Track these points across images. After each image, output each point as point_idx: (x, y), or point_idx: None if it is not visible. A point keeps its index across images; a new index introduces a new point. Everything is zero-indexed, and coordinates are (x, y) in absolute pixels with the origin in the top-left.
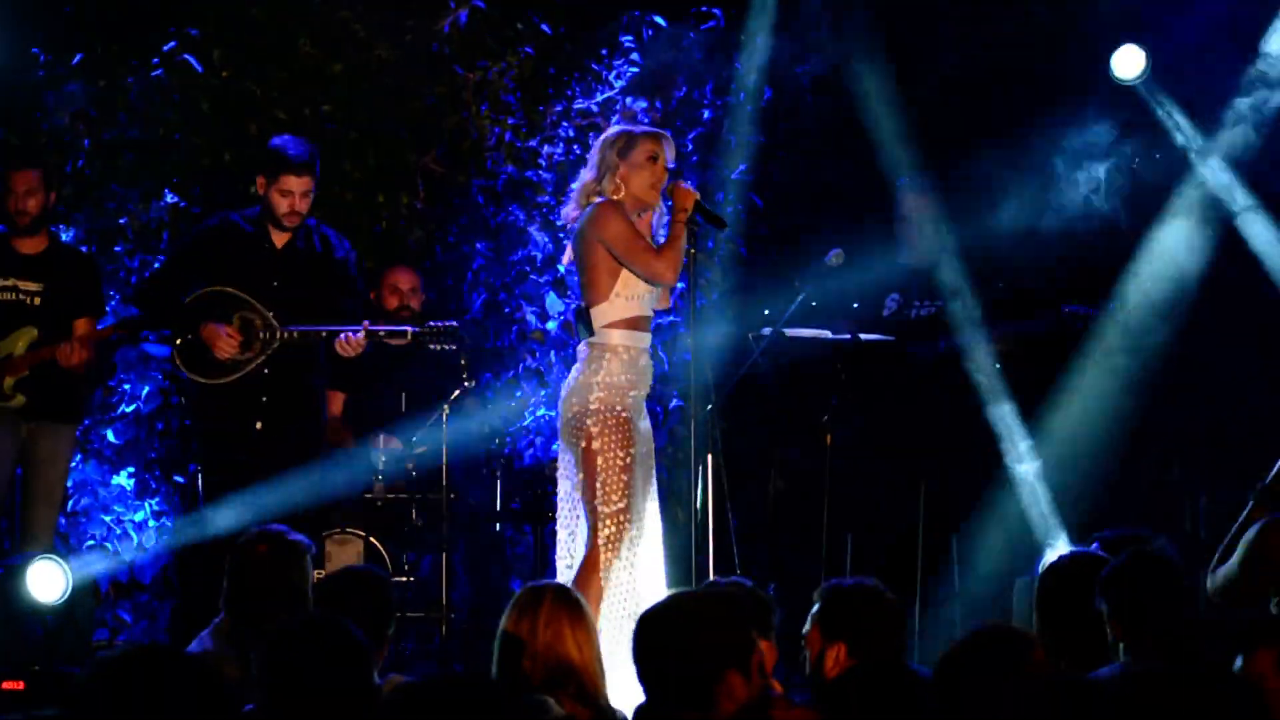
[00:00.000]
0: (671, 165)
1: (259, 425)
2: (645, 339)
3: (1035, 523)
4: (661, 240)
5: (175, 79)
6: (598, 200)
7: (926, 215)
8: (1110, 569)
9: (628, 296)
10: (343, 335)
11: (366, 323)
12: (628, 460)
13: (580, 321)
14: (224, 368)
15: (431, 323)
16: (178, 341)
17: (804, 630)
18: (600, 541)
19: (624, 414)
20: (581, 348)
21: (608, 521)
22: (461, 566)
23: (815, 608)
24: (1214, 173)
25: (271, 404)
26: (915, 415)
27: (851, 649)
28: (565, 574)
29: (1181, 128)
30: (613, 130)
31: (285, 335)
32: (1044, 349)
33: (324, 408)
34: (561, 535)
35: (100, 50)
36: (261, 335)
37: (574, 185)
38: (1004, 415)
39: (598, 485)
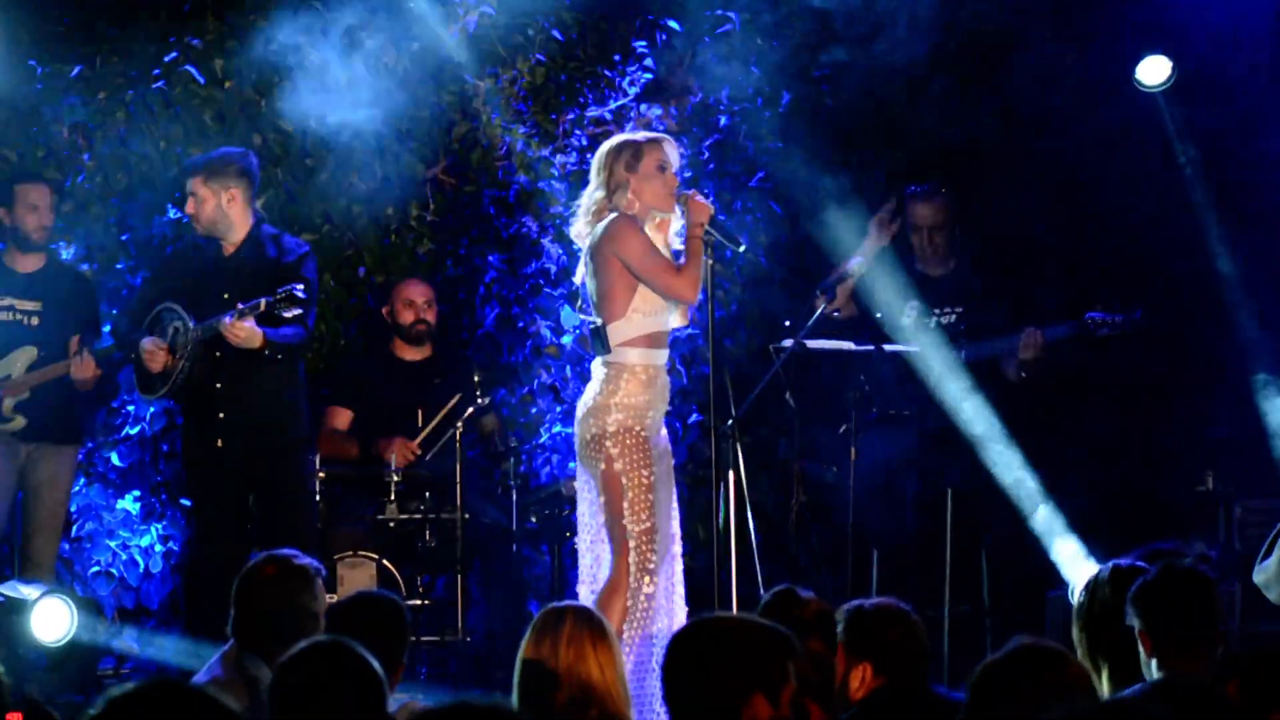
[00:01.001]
0: (678, 170)
1: (219, 443)
2: (662, 356)
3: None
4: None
5: (177, 90)
6: (611, 215)
7: (940, 223)
8: (1141, 583)
9: (645, 313)
10: (223, 319)
11: (239, 304)
12: (651, 479)
13: (596, 339)
14: (160, 380)
15: (281, 288)
16: (133, 368)
17: None
18: (629, 563)
19: (643, 434)
20: (597, 366)
21: (635, 542)
22: (477, 588)
23: (839, 626)
24: None
25: (229, 420)
26: (941, 427)
27: (877, 668)
28: (587, 598)
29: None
30: (613, 142)
31: (195, 333)
32: (1068, 356)
33: (301, 419)
34: (585, 559)
35: (99, 62)
36: (182, 339)
37: (579, 201)
38: (1011, 465)
39: (624, 506)
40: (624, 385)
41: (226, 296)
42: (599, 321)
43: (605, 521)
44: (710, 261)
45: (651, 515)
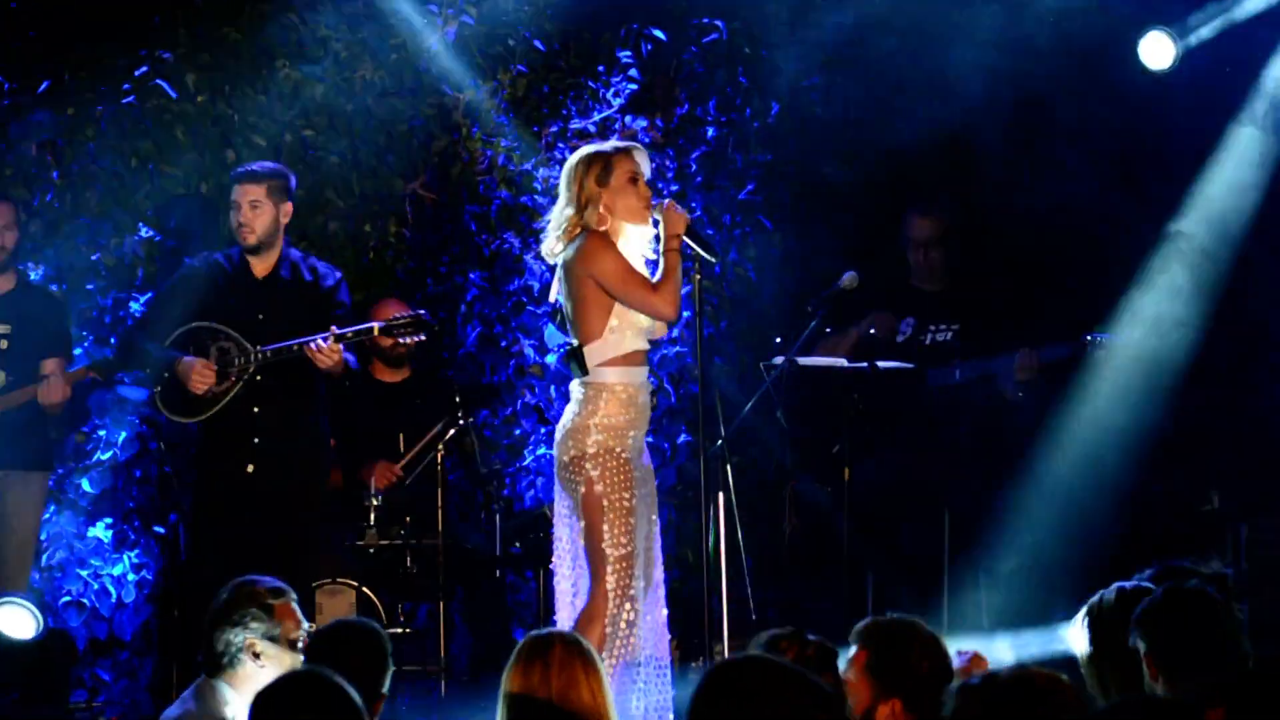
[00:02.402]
0: (650, 178)
1: (250, 469)
2: (642, 374)
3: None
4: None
5: (148, 105)
6: (583, 233)
7: (937, 238)
8: (1145, 605)
9: (621, 332)
10: (313, 344)
11: (333, 328)
12: (632, 503)
13: (573, 361)
14: (204, 403)
15: (396, 315)
16: (156, 386)
17: (842, 673)
18: (607, 588)
19: (624, 455)
20: (575, 387)
21: (615, 567)
22: (460, 616)
23: (854, 649)
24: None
25: (264, 445)
26: (937, 446)
27: (908, 704)
28: (567, 625)
29: None
30: (581, 154)
31: (260, 356)
32: (1066, 375)
33: (327, 449)
34: (563, 586)
35: (68, 77)
36: (238, 361)
37: (549, 217)
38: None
39: (604, 529)
40: (603, 405)
41: (262, 318)
42: (576, 342)
43: (585, 546)
44: (699, 278)
45: (632, 540)
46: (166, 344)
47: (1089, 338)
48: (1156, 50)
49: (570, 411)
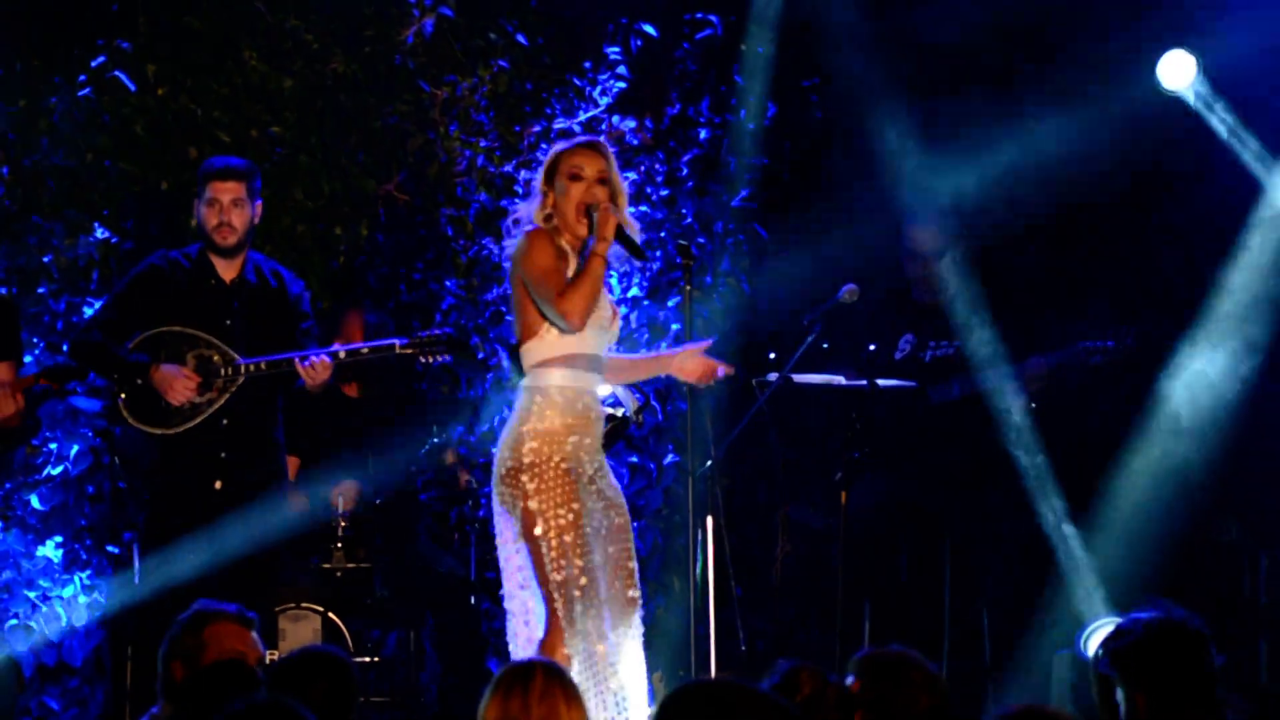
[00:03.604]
0: (604, 178)
1: (218, 485)
2: (590, 380)
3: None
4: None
5: (105, 98)
6: (526, 228)
7: (937, 250)
8: (1128, 642)
9: (561, 331)
10: (307, 361)
11: (337, 345)
12: (571, 517)
13: (512, 361)
14: (180, 414)
15: (421, 332)
16: (122, 395)
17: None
18: (558, 616)
19: (563, 464)
20: (517, 393)
21: (559, 592)
22: (431, 644)
23: (850, 679)
24: None
25: (231, 460)
26: (938, 468)
27: None
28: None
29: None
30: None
31: (251, 369)
32: (1070, 390)
33: (286, 467)
34: (514, 624)
35: (20, 67)
36: (223, 372)
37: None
38: (1037, 468)
39: (543, 551)
40: (538, 409)
41: (229, 324)
42: (514, 342)
43: (534, 571)
44: (688, 288)
45: (573, 561)
46: (131, 349)
47: (1084, 346)
48: (1176, 70)
49: (509, 421)
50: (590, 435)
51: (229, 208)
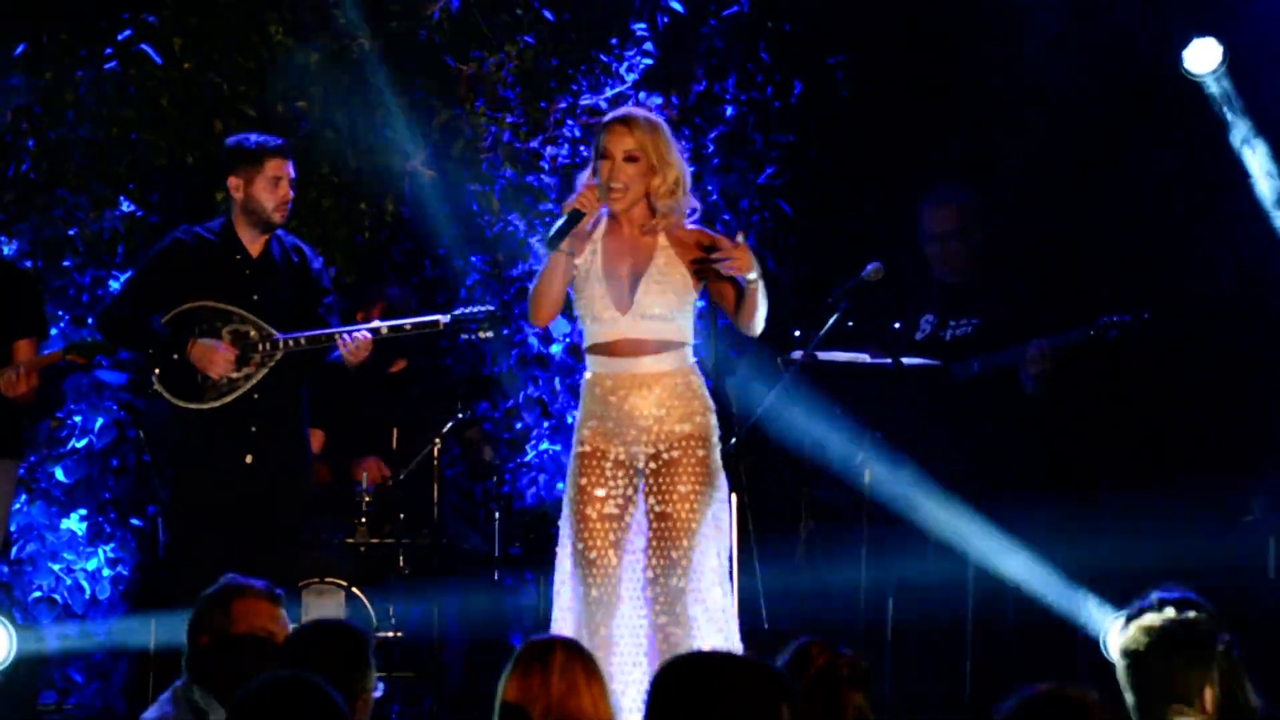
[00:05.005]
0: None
1: (249, 459)
2: (611, 364)
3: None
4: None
5: (131, 71)
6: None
7: (956, 229)
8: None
9: (583, 320)
10: (346, 335)
11: (378, 320)
12: (572, 496)
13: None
14: (217, 388)
15: (462, 309)
16: (155, 369)
17: None
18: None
19: (578, 449)
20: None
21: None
22: (455, 620)
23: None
24: None
25: (262, 434)
26: (964, 447)
27: None
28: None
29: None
30: None
31: (290, 344)
32: (1084, 366)
33: (309, 441)
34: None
35: (47, 40)
36: (261, 347)
37: None
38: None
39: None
40: (581, 397)
41: (256, 299)
42: None
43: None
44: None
45: (576, 538)
46: (164, 322)
47: (1103, 320)
48: (1202, 56)
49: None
50: (608, 420)
51: (287, 187)
